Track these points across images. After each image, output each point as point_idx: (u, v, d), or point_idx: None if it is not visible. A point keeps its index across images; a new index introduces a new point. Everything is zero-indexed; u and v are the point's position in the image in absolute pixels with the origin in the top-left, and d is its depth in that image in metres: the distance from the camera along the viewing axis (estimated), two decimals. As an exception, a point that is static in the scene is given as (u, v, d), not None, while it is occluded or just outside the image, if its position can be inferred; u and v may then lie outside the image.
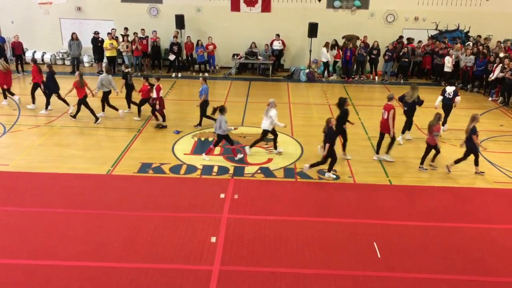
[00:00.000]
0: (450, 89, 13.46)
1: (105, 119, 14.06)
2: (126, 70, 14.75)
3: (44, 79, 14.30)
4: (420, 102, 12.61)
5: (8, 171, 10.52)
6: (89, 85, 13.83)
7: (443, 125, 13.22)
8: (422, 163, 11.17)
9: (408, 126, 12.93)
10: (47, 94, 14.35)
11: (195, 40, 19.59)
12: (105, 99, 14.18)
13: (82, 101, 13.44)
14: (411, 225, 8.74)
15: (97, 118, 13.66)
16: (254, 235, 8.26)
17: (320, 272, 7.33)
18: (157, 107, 13.32)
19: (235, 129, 11.04)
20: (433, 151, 11.09)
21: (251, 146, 11.82)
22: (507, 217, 9.17)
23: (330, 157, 10.48)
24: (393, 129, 11.28)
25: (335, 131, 10.57)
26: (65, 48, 20.30)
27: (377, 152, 11.73)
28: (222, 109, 11.05)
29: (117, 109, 14.24)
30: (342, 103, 11.36)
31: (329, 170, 10.64)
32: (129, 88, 14.48)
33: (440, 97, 13.55)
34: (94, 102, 14.22)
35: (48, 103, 14.38)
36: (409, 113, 12.68)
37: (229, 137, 11.33)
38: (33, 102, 14.69)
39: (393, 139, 11.45)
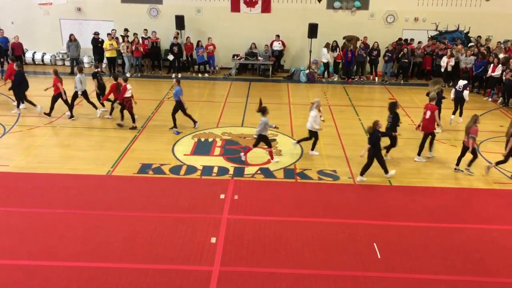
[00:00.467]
0: (461, 83, 14.27)
1: (105, 119, 14.06)
2: (96, 70, 14.82)
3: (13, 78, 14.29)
4: (442, 97, 13.22)
5: (8, 172, 10.52)
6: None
7: (453, 114, 14.45)
8: (457, 164, 11.07)
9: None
10: (18, 93, 14.37)
11: (195, 40, 19.60)
12: (85, 98, 14.23)
13: (56, 97, 13.64)
14: (411, 226, 8.74)
15: (49, 115, 13.82)
16: (254, 235, 8.25)
17: (320, 273, 7.33)
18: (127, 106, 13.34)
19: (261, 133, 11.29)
20: (469, 155, 10.84)
21: (313, 149, 11.88)
22: (507, 218, 9.17)
23: (372, 160, 10.35)
24: (439, 123, 11.80)
25: (380, 135, 10.34)
26: (65, 49, 20.28)
27: (419, 154, 11.70)
28: (263, 110, 11.03)
29: (71, 109, 14.17)
30: (394, 107, 11.43)
31: (362, 173, 10.48)
32: (101, 88, 14.60)
33: (453, 90, 14.39)
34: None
35: (29, 102, 14.43)
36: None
37: (261, 139, 11.21)
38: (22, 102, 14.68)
39: (433, 138, 11.73)
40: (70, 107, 13.99)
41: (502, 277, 7.39)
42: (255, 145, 11.35)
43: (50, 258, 7.50)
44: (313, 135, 11.67)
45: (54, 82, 13.53)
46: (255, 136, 11.24)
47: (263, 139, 11.18)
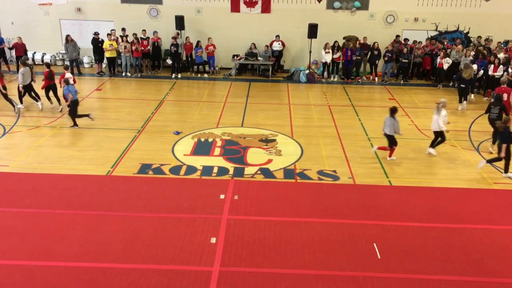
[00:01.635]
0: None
1: (105, 119, 14.07)
2: (28, 63, 15.35)
3: None
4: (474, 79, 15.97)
5: (8, 172, 10.51)
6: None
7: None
8: None
9: (465, 97, 15.95)
10: None
11: (195, 40, 19.61)
12: (28, 91, 14.56)
13: None
14: (411, 226, 8.73)
15: None
16: (254, 236, 8.24)
17: (320, 273, 7.32)
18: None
19: (400, 134, 11.54)
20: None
21: (433, 147, 11.96)
22: (507, 218, 9.16)
23: (508, 157, 10.56)
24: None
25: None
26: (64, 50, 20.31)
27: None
28: (393, 110, 11.21)
29: (37, 100, 14.78)
30: (499, 100, 12.24)
31: (506, 170, 10.74)
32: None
33: None
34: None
35: None
36: (466, 90, 15.97)
37: (394, 138, 11.39)
38: None
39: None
40: (35, 99, 14.72)
41: (502, 278, 7.38)
42: (391, 145, 11.52)
43: (50, 259, 7.50)
44: (439, 135, 11.80)
45: None
46: (385, 132, 11.47)
47: (390, 138, 11.38)
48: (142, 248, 7.82)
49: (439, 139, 11.86)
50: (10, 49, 19.21)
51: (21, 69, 14.29)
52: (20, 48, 18.88)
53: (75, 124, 13.28)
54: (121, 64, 19.61)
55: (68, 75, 13.92)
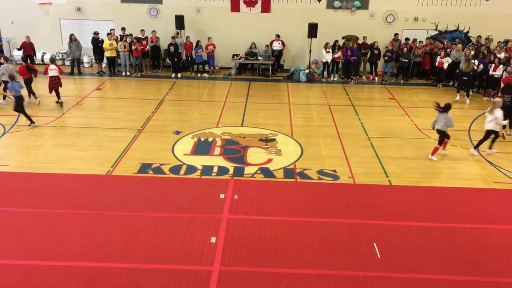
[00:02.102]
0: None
1: (105, 119, 14.08)
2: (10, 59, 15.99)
3: None
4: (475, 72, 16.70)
5: (8, 172, 10.51)
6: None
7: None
8: None
9: (467, 92, 16.76)
10: None
11: (195, 40, 19.61)
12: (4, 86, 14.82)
13: None
14: (411, 226, 8.73)
15: None
16: (254, 236, 8.24)
17: (320, 273, 7.32)
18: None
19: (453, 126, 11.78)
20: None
21: (490, 148, 12.10)
22: (507, 218, 9.16)
23: None
24: None
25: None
26: (65, 49, 20.32)
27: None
28: (447, 107, 11.44)
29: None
30: (510, 88, 12.79)
31: None
32: None
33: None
34: None
35: None
36: (468, 83, 16.70)
37: (447, 135, 11.58)
38: None
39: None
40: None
41: (502, 277, 7.39)
42: (441, 141, 11.65)
43: (50, 259, 7.49)
44: (494, 134, 11.92)
45: None
46: (438, 128, 11.63)
47: (443, 134, 11.54)
48: (142, 248, 7.82)
49: (493, 136, 11.94)
50: (19, 49, 19.28)
51: (3, 65, 14.41)
52: (29, 48, 18.94)
53: (32, 122, 13.23)
54: (121, 63, 19.63)
55: (52, 66, 14.09)
